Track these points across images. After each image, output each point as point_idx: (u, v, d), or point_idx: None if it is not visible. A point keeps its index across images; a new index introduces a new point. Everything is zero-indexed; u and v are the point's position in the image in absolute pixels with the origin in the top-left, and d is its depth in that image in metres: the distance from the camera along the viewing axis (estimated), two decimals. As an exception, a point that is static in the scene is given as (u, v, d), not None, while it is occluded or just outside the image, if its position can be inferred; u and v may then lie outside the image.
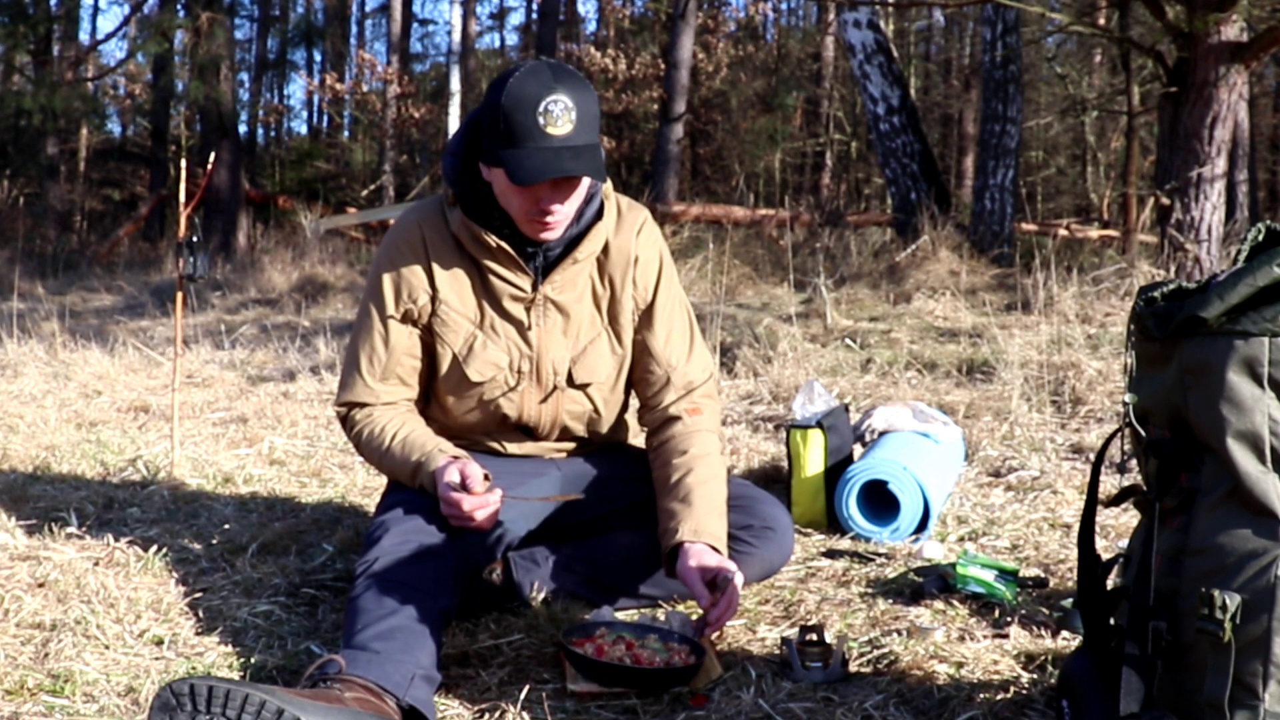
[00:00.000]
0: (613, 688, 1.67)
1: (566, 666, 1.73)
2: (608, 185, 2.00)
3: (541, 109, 1.76)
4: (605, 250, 2.02)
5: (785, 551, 2.07)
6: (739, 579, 1.80)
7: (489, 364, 1.99)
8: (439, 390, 2.05)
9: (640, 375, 2.09)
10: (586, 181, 1.90)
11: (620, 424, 2.19)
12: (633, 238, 2.03)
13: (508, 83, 1.78)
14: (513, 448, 2.10)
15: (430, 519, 1.85)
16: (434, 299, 1.98)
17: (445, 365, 2.00)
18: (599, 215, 1.98)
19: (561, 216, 1.88)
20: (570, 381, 2.03)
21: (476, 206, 1.93)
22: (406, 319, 1.99)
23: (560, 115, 1.77)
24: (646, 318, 2.06)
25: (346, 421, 2.06)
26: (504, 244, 1.92)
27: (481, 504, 1.83)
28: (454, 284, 1.98)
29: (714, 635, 1.83)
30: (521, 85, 1.77)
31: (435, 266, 1.97)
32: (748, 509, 2.03)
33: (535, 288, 1.97)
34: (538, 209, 1.85)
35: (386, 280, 1.99)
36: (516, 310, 1.98)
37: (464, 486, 1.84)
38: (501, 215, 1.92)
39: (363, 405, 2.03)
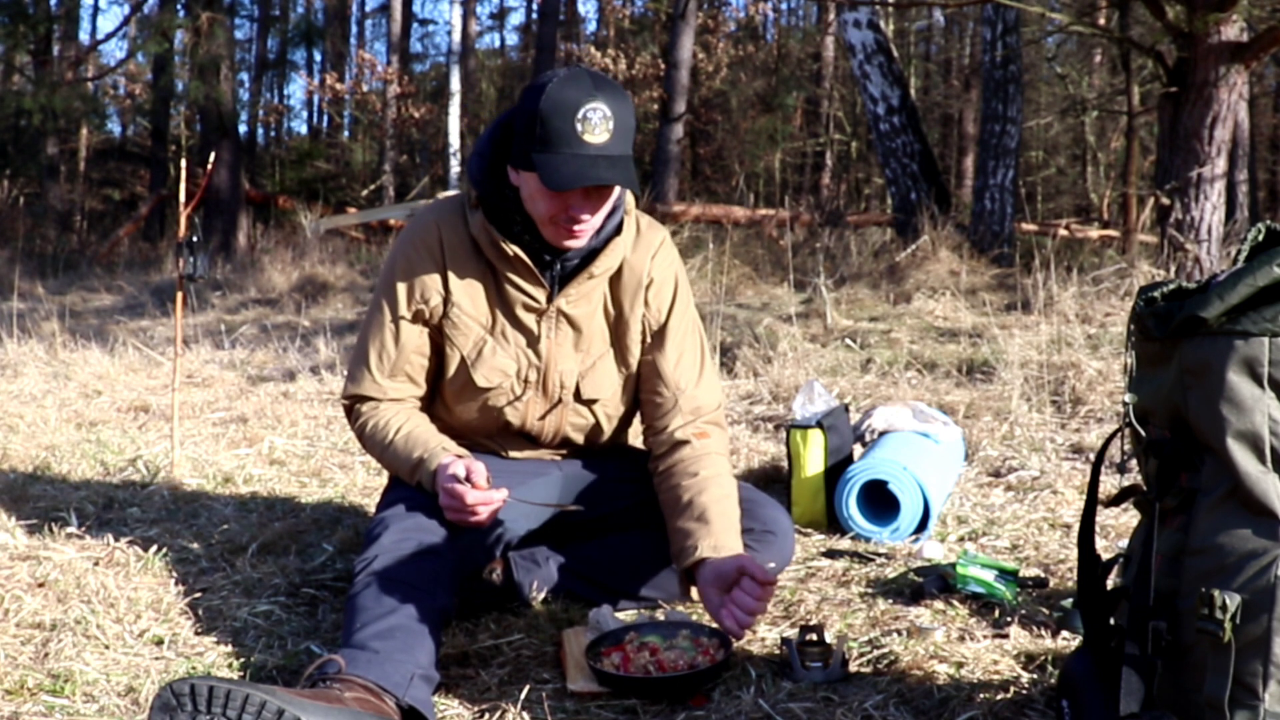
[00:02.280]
0: (646, 698, 1.65)
1: (566, 666, 1.73)
2: (630, 200, 1.99)
3: (580, 116, 1.75)
4: (620, 269, 2.00)
5: (786, 555, 2.07)
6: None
7: (496, 370, 1.98)
8: (444, 392, 2.04)
9: (647, 397, 2.06)
10: (616, 193, 1.90)
11: (622, 431, 2.20)
12: (648, 259, 2.01)
13: (547, 87, 1.76)
14: (513, 453, 2.10)
15: (431, 517, 1.85)
16: (446, 301, 1.96)
17: (453, 368, 1.99)
18: (618, 231, 1.96)
19: (588, 226, 1.87)
20: (577, 396, 2.02)
21: (499, 210, 1.91)
22: (418, 318, 1.98)
23: (599, 124, 1.75)
24: (658, 339, 2.04)
25: (352, 413, 2.06)
26: (522, 254, 1.90)
27: (485, 500, 1.81)
28: (468, 288, 1.96)
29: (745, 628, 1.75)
30: (561, 91, 1.75)
31: (450, 268, 1.95)
32: (749, 512, 2.03)
33: (550, 300, 1.96)
34: (566, 216, 1.83)
35: (400, 278, 1.97)
36: (528, 320, 1.97)
37: (468, 481, 1.83)
38: (524, 221, 1.90)
39: (370, 399, 2.03)
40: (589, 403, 2.04)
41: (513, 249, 1.90)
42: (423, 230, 1.97)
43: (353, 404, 2.05)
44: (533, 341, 1.98)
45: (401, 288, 1.97)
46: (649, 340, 2.04)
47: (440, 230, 1.96)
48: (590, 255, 1.95)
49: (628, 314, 2.01)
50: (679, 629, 1.79)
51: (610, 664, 1.69)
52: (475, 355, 1.97)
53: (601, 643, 1.75)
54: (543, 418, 2.04)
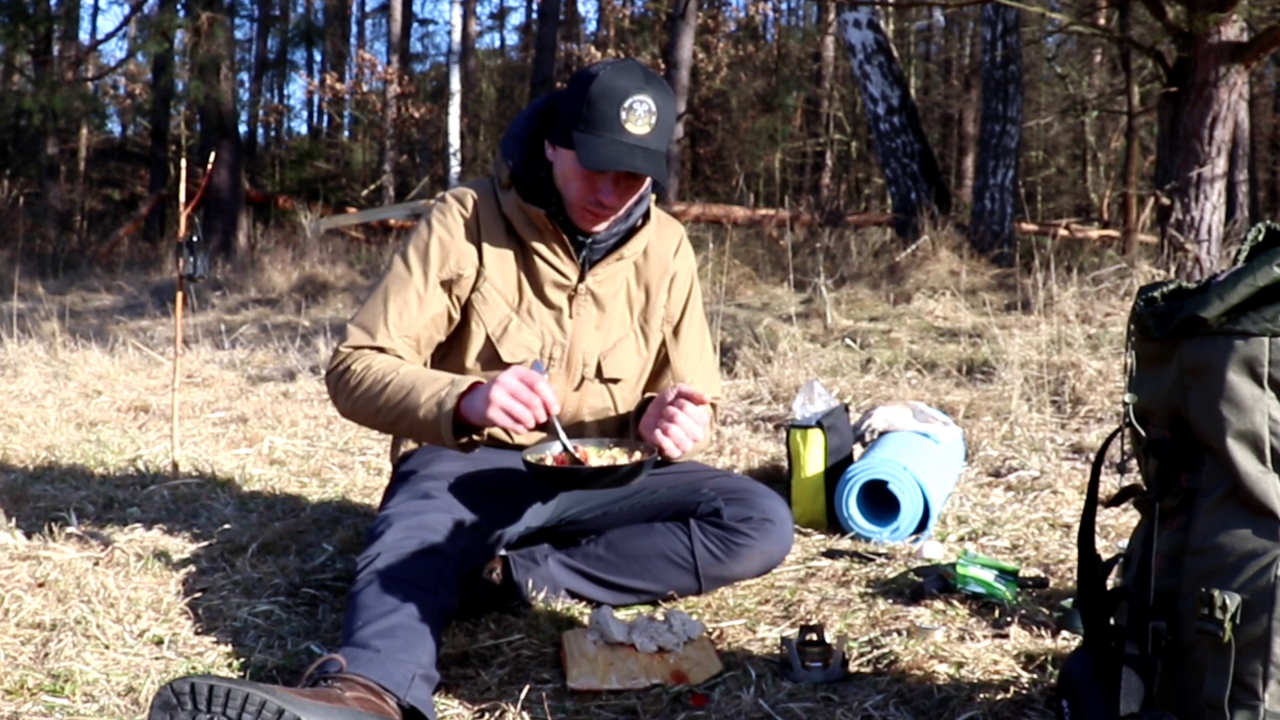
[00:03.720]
0: (565, 488, 1.87)
1: (566, 666, 1.73)
2: (650, 199, 2.09)
3: (627, 104, 1.84)
4: (645, 254, 2.10)
5: (785, 544, 2.07)
6: (708, 410, 1.92)
7: (522, 346, 2.02)
8: (465, 371, 2.04)
9: (653, 381, 2.18)
10: (645, 187, 1.98)
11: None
12: (672, 253, 2.13)
13: (600, 73, 1.86)
14: (520, 434, 2.10)
15: (434, 516, 1.85)
16: (479, 273, 2.01)
17: (478, 345, 2.02)
18: (646, 217, 2.06)
19: (614, 213, 1.96)
20: (599, 374, 2.07)
21: (533, 190, 1.98)
22: (446, 286, 2.01)
23: (642, 115, 1.84)
24: (674, 334, 2.16)
25: (346, 361, 1.97)
26: (559, 227, 1.98)
27: (550, 398, 1.79)
28: (499, 263, 2.02)
29: (669, 443, 1.88)
30: (614, 77, 1.85)
31: (484, 244, 2.01)
32: (746, 501, 2.04)
33: (582, 278, 2.03)
34: (594, 198, 1.91)
35: (436, 243, 2.01)
36: (557, 298, 2.03)
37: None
38: (556, 204, 1.97)
39: (376, 350, 1.99)
40: (610, 382, 2.09)
41: (552, 224, 1.97)
42: (459, 202, 2.03)
43: (352, 351, 1.98)
44: (559, 319, 2.03)
45: (436, 251, 2.00)
46: (665, 330, 2.15)
47: (476, 204, 2.03)
48: (621, 238, 2.03)
49: (653, 300, 2.12)
50: (616, 444, 1.93)
51: (546, 461, 1.86)
52: (501, 332, 2.01)
53: (544, 453, 1.90)
54: (563, 398, 2.06)
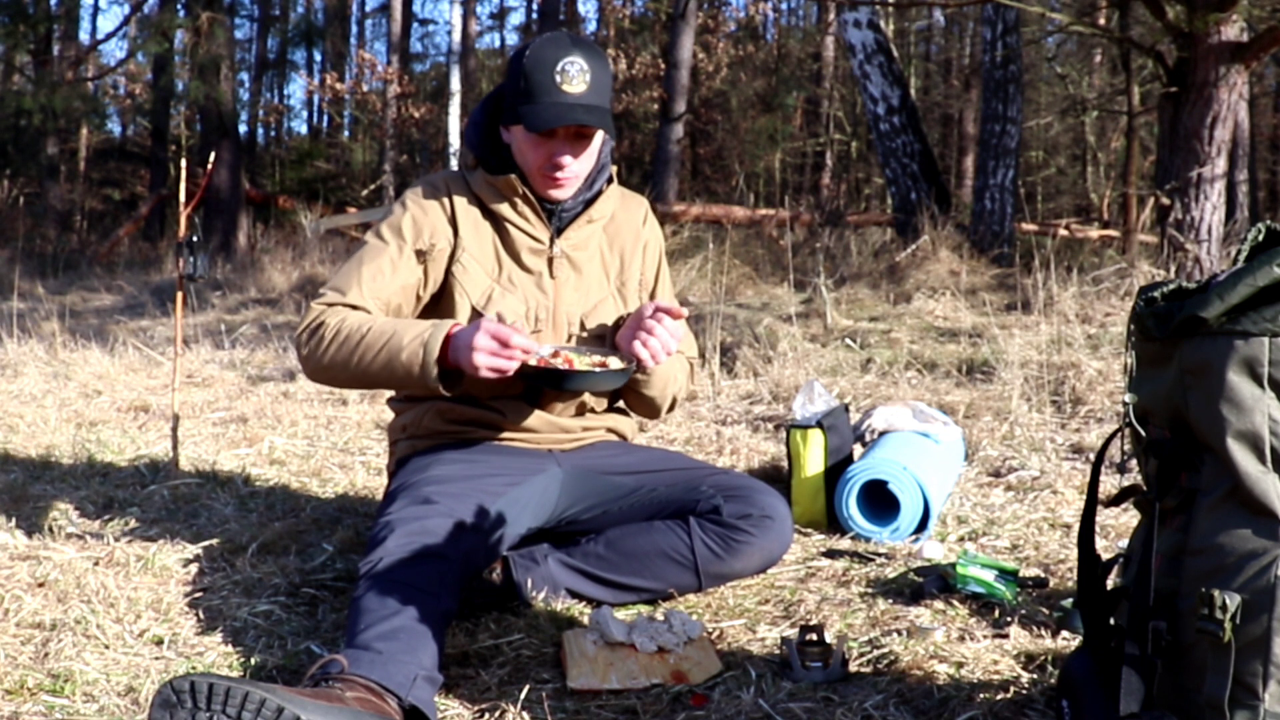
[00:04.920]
0: (548, 387, 1.96)
1: (566, 666, 1.73)
2: (611, 170, 2.16)
3: (559, 68, 1.94)
4: (614, 220, 2.18)
5: (785, 540, 2.07)
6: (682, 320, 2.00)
7: (508, 310, 2.07)
8: None
9: None
10: (597, 144, 2.06)
11: (620, 412, 2.25)
12: (640, 221, 2.23)
13: (529, 47, 1.97)
14: (512, 415, 2.12)
15: (436, 521, 1.85)
16: (455, 245, 2.07)
17: (464, 317, 2.07)
18: (609, 183, 2.15)
19: (572, 173, 2.03)
20: (584, 332, 2.13)
21: (496, 168, 2.07)
22: (420, 256, 2.07)
23: (576, 75, 1.95)
24: (650, 298, 2.23)
25: (321, 316, 2.00)
26: (528, 191, 2.05)
27: (527, 345, 1.87)
28: (475, 235, 2.09)
29: (649, 354, 1.98)
30: (541, 48, 1.97)
31: (459, 218, 2.08)
32: (746, 498, 2.04)
33: (553, 242, 2.09)
34: (550, 163, 2.00)
35: (410, 217, 2.08)
36: (535, 263, 2.10)
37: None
38: (520, 178, 2.06)
39: (349, 306, 2.02)
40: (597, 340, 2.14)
41: (521, 188, 2.04)
42: (430, 184, 2.12)
43: (326, 308, 2.01)
44: (539, 283, 2.10)
45: (409, 225, 2.07)
46: (642, 296, 2.22)
47: (448, 185, 2.11)
48: (587, 203, 2.12)
49: (628, 263, 2.19)
50: (595, 352, 2.02)
51: (530, 362, 1.92)
52: (485, 301, 2.07)
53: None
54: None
